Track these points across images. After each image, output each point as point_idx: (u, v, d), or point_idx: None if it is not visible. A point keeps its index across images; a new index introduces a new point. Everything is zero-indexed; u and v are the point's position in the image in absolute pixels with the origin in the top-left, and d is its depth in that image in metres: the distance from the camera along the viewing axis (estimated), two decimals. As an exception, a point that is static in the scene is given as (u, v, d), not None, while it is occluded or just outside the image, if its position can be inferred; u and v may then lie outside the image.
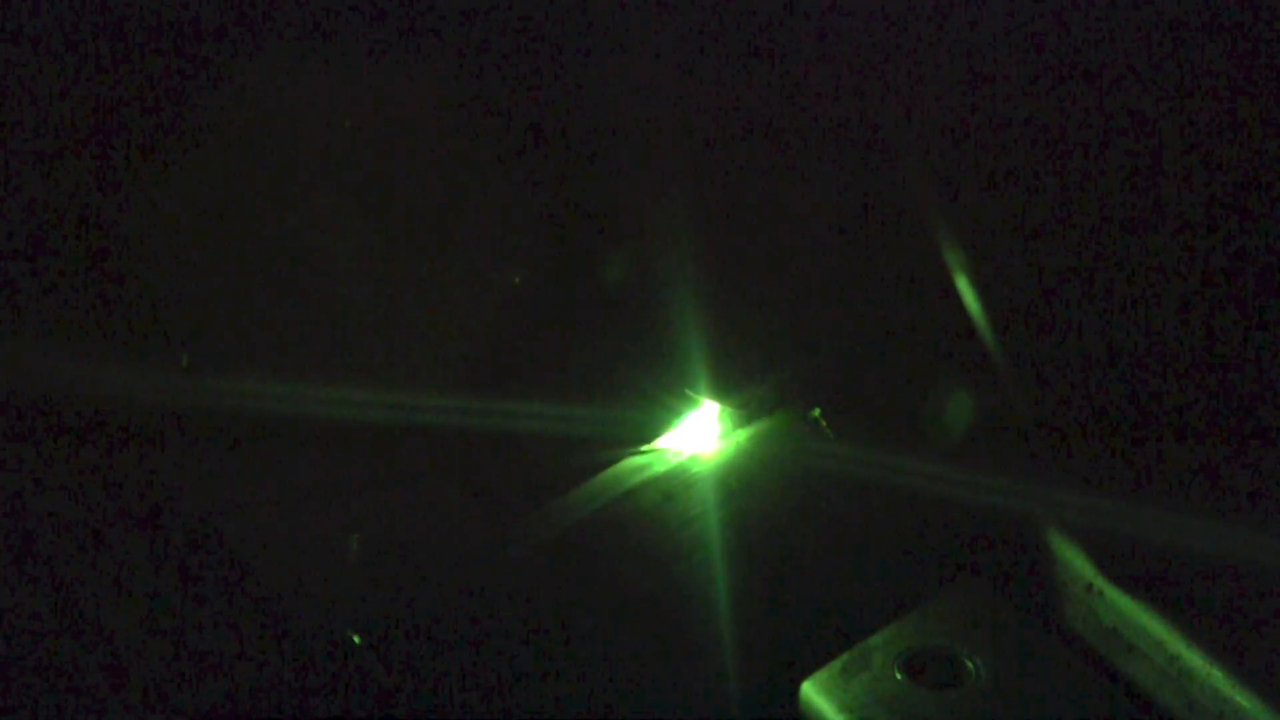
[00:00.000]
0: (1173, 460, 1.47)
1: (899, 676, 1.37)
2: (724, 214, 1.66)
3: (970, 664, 1.37)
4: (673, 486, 1.57)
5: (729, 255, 1.66)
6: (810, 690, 1.37)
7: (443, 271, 1.64)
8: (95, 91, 1.45)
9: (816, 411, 1.64)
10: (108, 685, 1.43)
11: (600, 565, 1.50)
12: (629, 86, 1.60)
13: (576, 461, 1.57)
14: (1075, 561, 1.44)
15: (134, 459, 1.51)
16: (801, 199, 1.64)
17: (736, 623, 1.47)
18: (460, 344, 1.64)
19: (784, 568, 1.52)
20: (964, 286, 1.52)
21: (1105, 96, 1.46)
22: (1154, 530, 1.43)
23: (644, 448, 1.60)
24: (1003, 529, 1.52)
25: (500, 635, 1.45)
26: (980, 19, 1.46)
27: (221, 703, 1.43)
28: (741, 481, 1.58)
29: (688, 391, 1.63)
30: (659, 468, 1.58)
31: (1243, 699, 1.29)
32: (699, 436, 1.62)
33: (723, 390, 1.64)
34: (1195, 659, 1.32)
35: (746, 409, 1.64)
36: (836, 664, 1.38)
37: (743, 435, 1.62)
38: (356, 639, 1.43)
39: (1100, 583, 1.41)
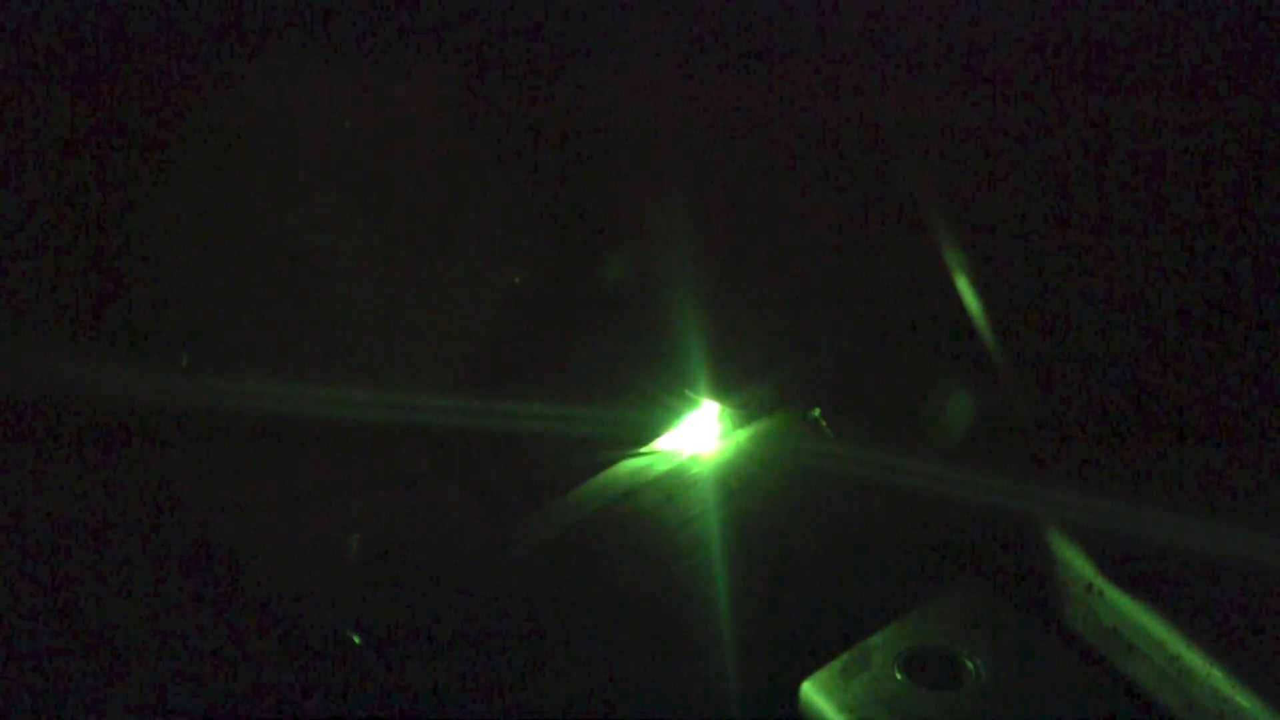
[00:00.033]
0: (1173, 460, 1.47)
1: (899, 676, 1.37)
2: (724, 214, 1.66)
3: (970, 664, 1.37)
4: (673, 486, 1.56)
5: (729, 255, 1.66)
6: (810, 690, 1.37)
7: (443, 271, 1.63)
8: (95, 91, 1.45)
9: (816, 411, 1.64)
10: (108, 685, 1.43)
11: (600, 565, 1.50)
12: (629, 86, 1.59)
13: (576, 461, 1.57)
14: (1075, 561, 1.44)
15: (134, 459, 1.51)
16: (801, 199, 1.64)
17: (736, 623, 1.47)
18: (460, 344, 1.64)
19: (784, 568, 1.52)
20: (964, 286, 1.52)
21: (1105, 96, 1.46)
22: (1154, 530, 1.43)
23: (644, 448, 1.60)
24: (1003, 529, 1.52)
25: (500, 635, 1.45)
26: (980, 19, 1.46)
27: (221, 703, 1.43)
28: (741, 481, 1.58)
29: (688, 391, 1.63)
30: (659, 468, 1.58)
31: (1243, 699, 1.29)
32: (699, 436, 1.62)
33: (723, 390, 1.64)
34: (1195, 659, 1.32)
35: (746, 409, 1.64)
36: (836, 664, 1.38)
37: (743, 435, 1.62)
38: (356, 639, 1.43)
39: (1100, 583, 1.41)
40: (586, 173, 1.64)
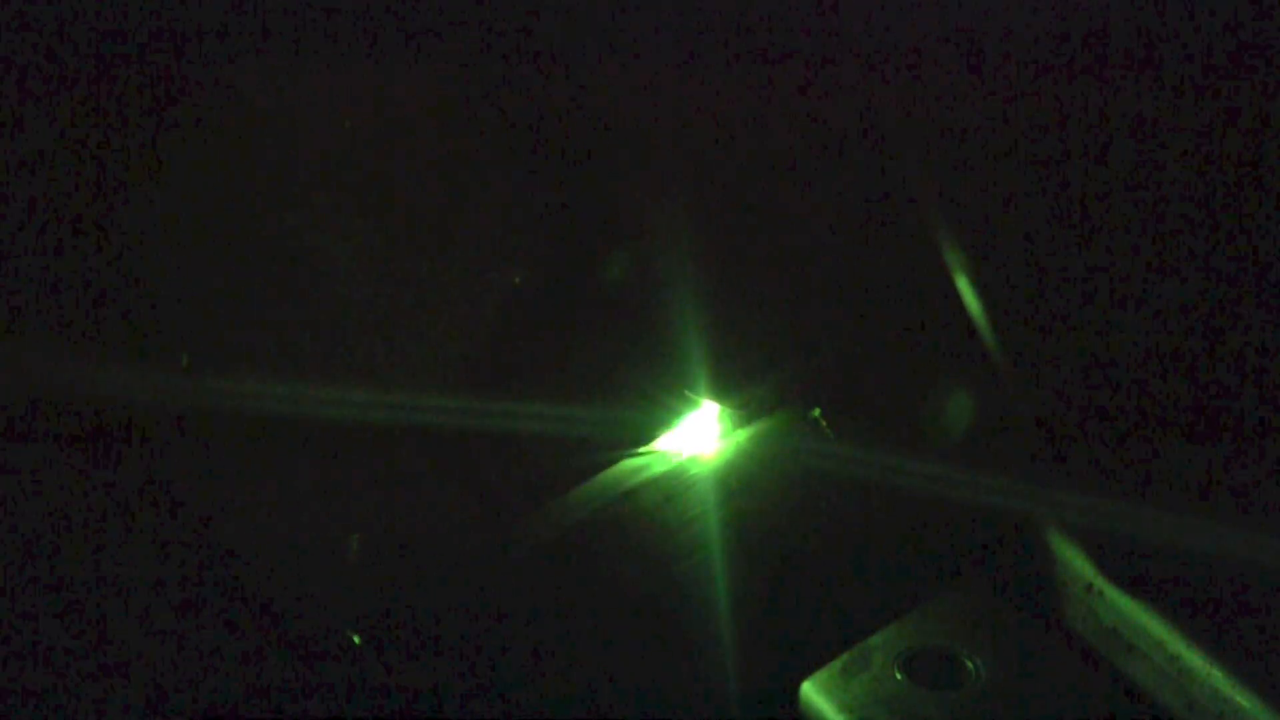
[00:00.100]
0: (1173, 460, 1.47)
1: (899, 676, 1.37)
2: (724, 214, 1.66)
3: (970, 664, 1.37)
4: (673, 487, 1.56)
5: (729, 255, 1.66)
6: (810, 690, 1.37)
7: (443, 271, 1.63)
8: (95, 91, 1.45)
9: (816, 411, 1.64)
10: (108, 685, 1.43)
11: (600, 565, 1.50)
12: (629, 86, 1.59)
13: (576, 461, 1.57)
14: (1075, 561, 1.44)
15: (134, 459, 1.51)
16: (801, 199, 1.64)
17: (736, 623, 1.47)
18: (460, 344, 1.64)
19: (784, 568, 1.52)
20: (964, 286, 1.52)
21: (1105, 96, 1.46)
22: (1154, 530, 1.43)
23: (644, 448, 1.60)
24: (1003, 529, 1.52)
25: (500, 636, 1.45)
26: (980, 19, 1.46)
27: (221, 703, 1.43)
28: (741, 481, 1.58)
29: (688, 392, 1.63)
30: (659, 468, 1.58)
31: (1243, 699, 1.29)
32: (699, 436, 1.62)
33: (723, 390, 1.64)
34: (1195, 659, 1.32)
35: (746, 409, 1.64)
36: (836, 664, 1.38)
37: (743, 435, 1.62)
38: (356, 639, 1.43)
39: (1100, 583, 1.41)
40: (586, 173, 1.64)
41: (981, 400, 1.56)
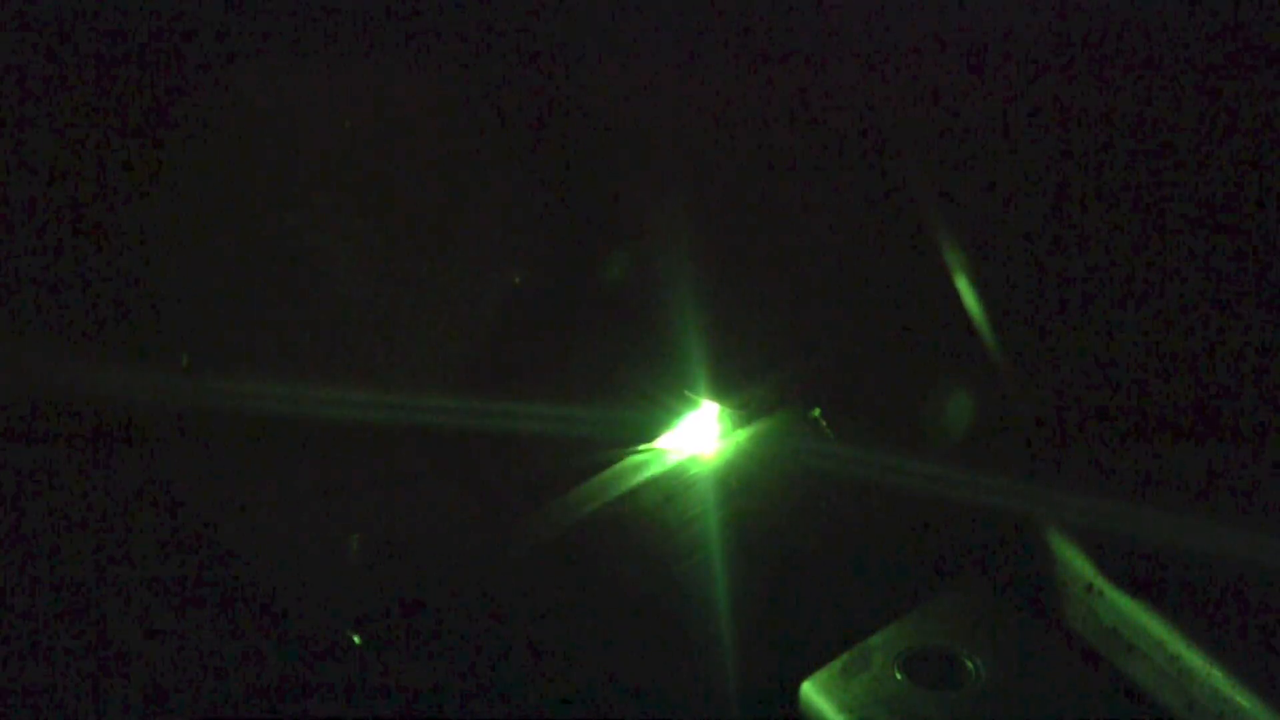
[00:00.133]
0: (1173, 460, 1.47)
1: (899, 676, 1.37)
2: (724, 214, 1.66)
3: (970, 664, 1.37)
4: (673, 486, 1.56)
5: (729, 255, 1.66)
6: (810, 690, 1.37)
7: (443, 271, 1.64)
8: (96, 91, 1.45)
9: (816, 411, 1.64)
10: (108, 685, 1.43)
11: (600, 565, 1.50)
12: (629, 86, 1.59)
13: (576, 461, 1.57)
14: (1075, 561, 1.44)
15: (134, 459, 1.51)
16: (801, 199, 1.64)
17: (736, 623, 1.47)
18: (460, 344, 1.64)
19: (784, 568, 1.52)
20: (964, 286, 1.52)
21: (1106, 96, 1.45)
22: (1154, 530, 1.43)
23: (644, 448, 1.60)
24: (1003, 529, 1.52)
25: (500, 635, 1.45)
26: (980, 19, 1.46)
27: (221, 703, 1.43)
28: (741, 481, 1.58)
29: (688, 391, 1.63)
30: (659, 468, 1.58)
31: (1243, 699, 1.29)
32: (699, 436, 1.62)
33: (723, 390, 1.64)
34: (1195, 659, 1.32)
35: (746, 409, 1.64)
36: (836, 664, 1.38)
37: (743, 435, 1.62)
38: (356, 639, 1.43)
39: (1100, 583, 1.41)
40: (586, 173, 1.64)
41: (981, 400, 1.56)
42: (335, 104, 1.55)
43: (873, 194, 1.60)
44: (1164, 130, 1.47)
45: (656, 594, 1.49)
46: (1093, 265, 1.51)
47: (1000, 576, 1.48)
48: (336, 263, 1.59)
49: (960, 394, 1.58)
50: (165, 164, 1.50)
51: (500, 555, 1.50)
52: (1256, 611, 1.35)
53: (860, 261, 1.64)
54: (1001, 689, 1.35)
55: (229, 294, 1.56)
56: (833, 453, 1.62)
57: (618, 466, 1.58)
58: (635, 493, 1.55)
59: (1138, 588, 1.39)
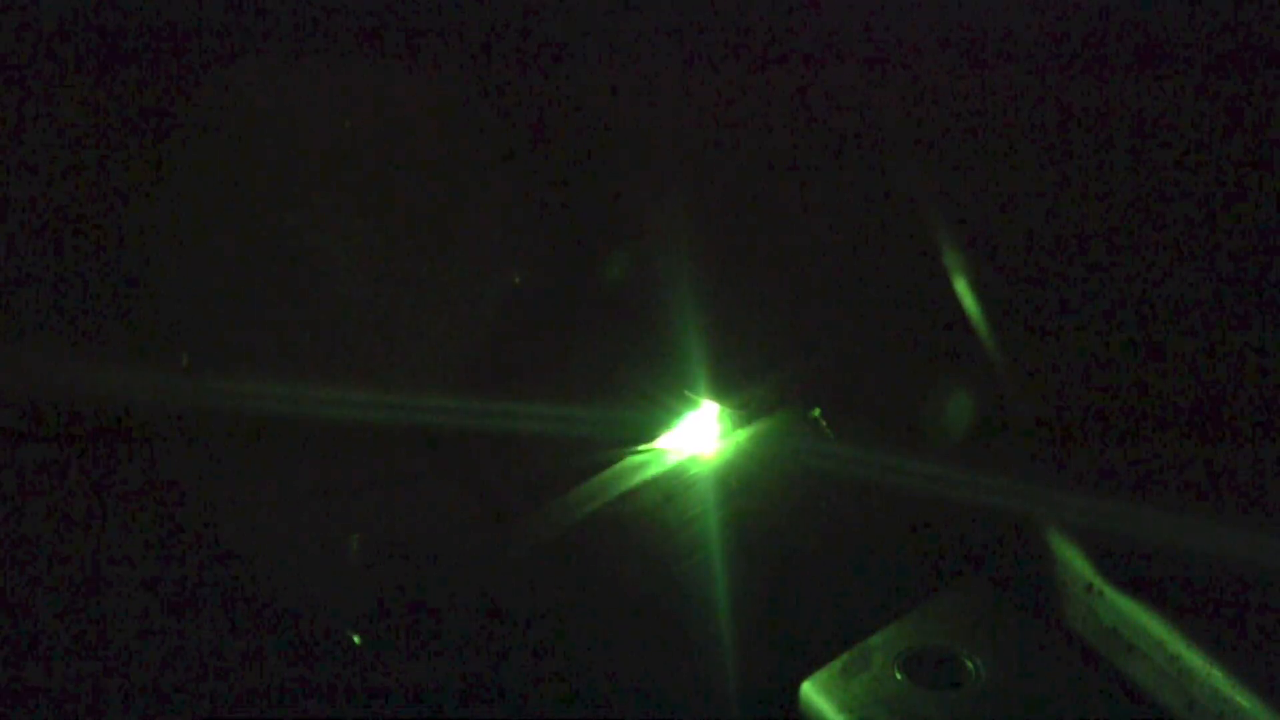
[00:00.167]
0: (1173, 460, 1.47)
1: (899, 676, 1.37)
2: (724, 214, 1.66)
3: (970, 664, 1.37)
4: (673, 486, 1.56)
5: (729, 255, 1.66)
6: (810, 690, 1.37)
7: (443, 271, 1.64)
8: (96, 91, 1.45)
9: (816, 411, 1.64)
10: (108, 685, 1.43)
11: (600, 565, 1.50)
12: (629, 86, 1.59)
13: (576, 461, 1.57)
14: (1075, 561, 1.44)
15: (134, 459, 1.51)
16: (801, 199, 1.64)
17: (736, 623, 1.47)
18: (460, 344, 1.64)
19: (784, 568, 1.52)
20: (964, 287, 1.52)
21: (1106, 95, 1.45)
22: (1154, 530, 1.43)
23: (644, 448, 1.60)
24: (1003, 529, 1.52)
25: (500, 635, 1.45)
26: (980, 19, 1.46)
27: (221, 703, 1.43)
28: (741, 481, 1.58)
29: (688, 391, 1.63)
30: (659, 468, 1.58)
31: (1243, 699, 1.29)
32: (699, 436, 1.62)
33: (723, 390, 1.64)
34: (1195, 659, 1.32)
35: (746, 409, 1.64)
36: (836, 664, 1.38)
37: (743, 435, 1.62)
38: (356, 639, 1.43)
39: (1100, 583, 1.41)
40: (586, 173, 1.64)
41: (981, 400, 1.56)
42: (335, 104, 1.55)
43: (873, 194, 1.60)
44: (1164, 130, 1.47)
45: (656, 594, 1.49)
46: (1093, 265, 1.51)
47: (1000, 576, 1.48)
48: (336, 263, 1.59)
49: (960, 394, 1.58)
50: (165, 164, 1.50)
51: (500, 555, 1.50)
52: (1256, 611, 1.35)
53: (860, 261, 1.64)
54: (1001, 689, 1.35)
55: (229, 294, 1.56)
56: (833, 453, 1.62)
57: (618, 466, 1.58)
58: (635, 493, 1.55)
59: (1138, 588, 1.39)
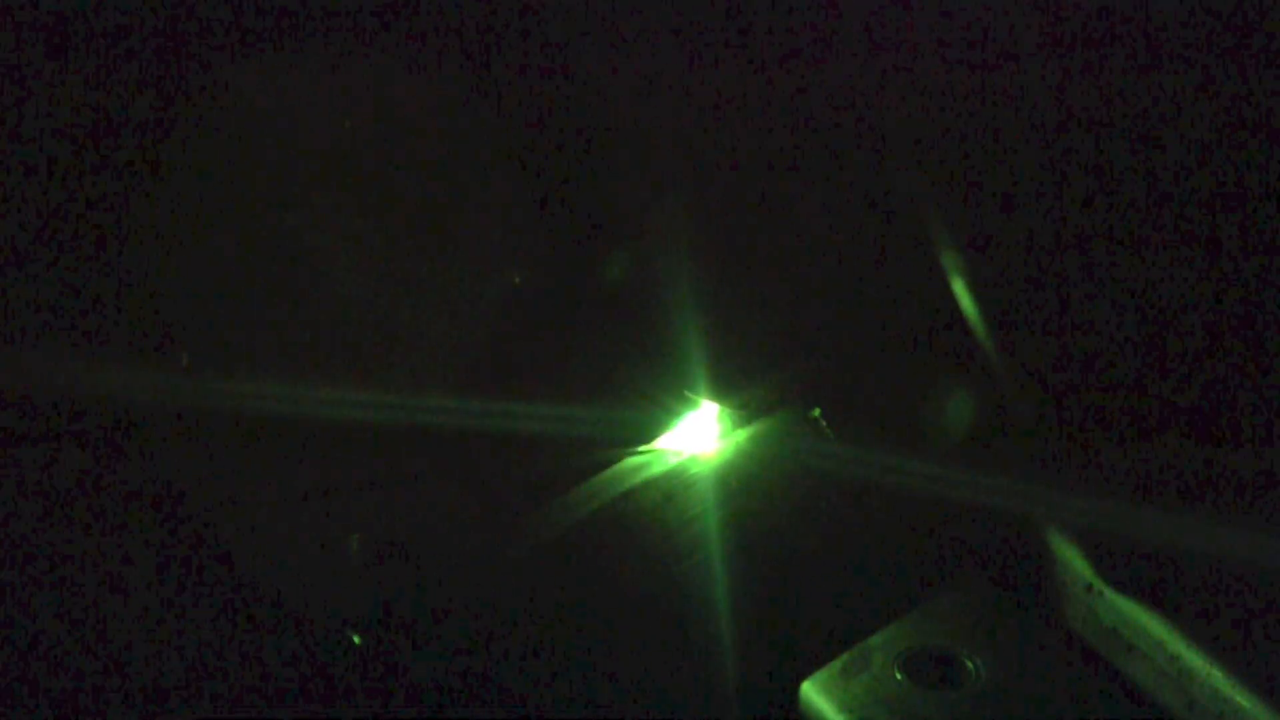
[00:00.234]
0: (1173, 460, 1.47)
1: (899, 676, 1.37)
2: (724, 214, 1.66)
3: (970, 664, 1.37)
4: (673, 486, 1.56)
5: (729, 255, 1.66)
6: (810, 690, 1.37)
7: (443, 271, 1.64)
8: (95, 91, 1.45)
9: (816, 411, 1.64)
10: (108, 685, 1.43)
11: (600, 565, 1.50)
12: (629, 85, 1.59)
13: (576, 461, 1.57)
14: (1075, 562, 1.44)
15: (134, 459, 1.51)
16: (801, 199, 1.64)
17: (736, 623, 1.47)
18: (460, 344, 1.64)
19: (784, 568, 1.52)
20: (963, 287, 1.52)
21: (1106, 96, 1.45)
22: (1154, 531, 1.43)
23: (644, 448, 1.60)
24: (1003, 529, 1.52)
25: (500, 635, 1.45)
26: (980, 19, 1.46)
27: (221, 703, 1.43)
28: (741, 481, 1.58)
29: (688, 391, 1.63)
30: (659, 468, 1.58)
31: (1243, 699, 1.29)
32: (699, 436, 1.62)
33: (723, 390, 1.64)
34: (1195, 659, 1.32)
35: (746, 409, 1.64)
36: (836, 664, 1.38)
37: (743, 435, 1.62)
38: (356, 639, 1.43)
39: (1100, 583, 1.41)
40: (586, 173, 1.64)
41: (981, 400, 1.56)
42: (335, 104, 1.55)
43: (873, 194, 1.60)
44: (1164, 130, 1.47)
45: (656, 594, 1.49)
46: (1093, 265, 1.51)
47: (1000, 576, 1.48)
48: (336, 263, 1.59)
49: (960, 394, 1.58)
50: (165, 164, 1.50)
51: (500, 555, 1.50)
52: (1256, 611, 1.35)
53: (860, 261, 1.64)
54: (1001, 689, 1.35)
55: (229, 294, 1.56)
56: (833, 453, 1.62)
57: (618, 466, 1.58)
58: (635, 493, 1.55)
59: (1138, 588, 1.39)
